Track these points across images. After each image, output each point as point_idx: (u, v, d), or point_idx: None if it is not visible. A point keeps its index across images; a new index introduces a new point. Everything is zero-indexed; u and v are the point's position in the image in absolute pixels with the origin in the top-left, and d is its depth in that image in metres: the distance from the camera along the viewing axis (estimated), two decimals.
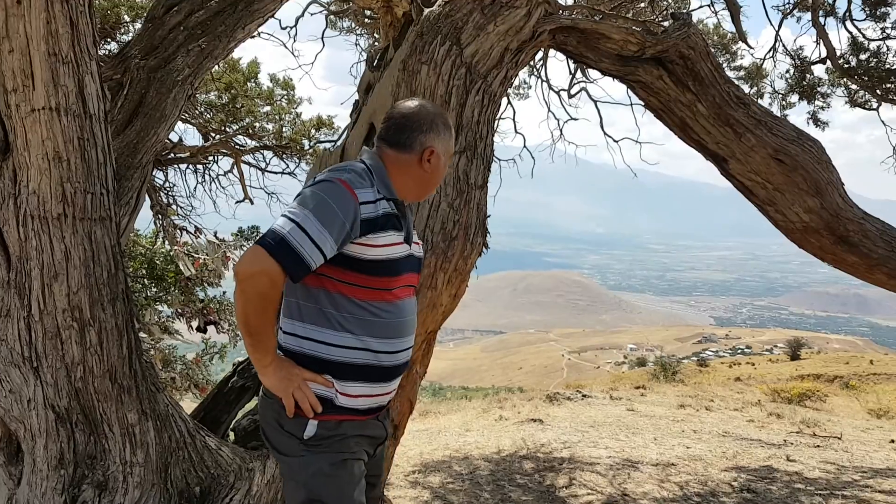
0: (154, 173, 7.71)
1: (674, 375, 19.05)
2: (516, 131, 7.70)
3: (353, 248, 1.87)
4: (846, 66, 5.90)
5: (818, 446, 7.81)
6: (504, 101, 7.64)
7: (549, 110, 7.33)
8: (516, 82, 7.92)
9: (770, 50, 6.49)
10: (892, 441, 8.45)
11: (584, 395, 11.30)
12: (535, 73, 7.06)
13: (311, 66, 7.16)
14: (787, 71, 6.57)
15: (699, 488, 5.74)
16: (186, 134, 8.37)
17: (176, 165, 7.74)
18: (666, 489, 5.71)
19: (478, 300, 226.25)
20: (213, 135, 7.50)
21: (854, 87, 6.17)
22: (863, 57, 5.78)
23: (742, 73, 6.82)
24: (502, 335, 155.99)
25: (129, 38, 5.60)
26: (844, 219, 3.92)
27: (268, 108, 7.53)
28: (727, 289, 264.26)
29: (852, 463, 6.90)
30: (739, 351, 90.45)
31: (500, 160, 8.14)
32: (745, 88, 6.76)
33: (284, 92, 7.57)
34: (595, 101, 6.80)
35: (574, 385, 15.55)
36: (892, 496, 5.57)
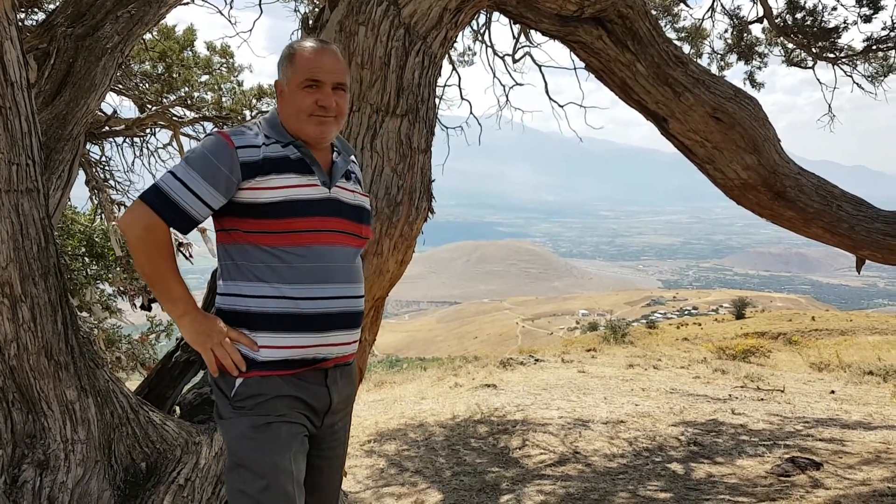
0: (89, 148, 7.42)
1: (623, 337, 19.50)
2: (462, 98, 7.66)
3: (245, 194, 1.86)
4: (783, 25, 6.01)
5: (762, 399, 8.11)
6: (448, 67, 7.58)
7: (495, 76, 7.29)
8: (461, 48, 7.88)
9: (709, 10, 6.56)
10: (832, 392, 8.84)
11: (536, 360, 11.49)
12: (479, 38, 7.01)
13: (250, 34, 6.94)
14: (726, 31, 6.68)
15: (648, 443, 5.92)
16: (122, 106, 8.08)
17: (112, 139, 7.46)
18: (616, 445, 5.86)
19: (432, 272, 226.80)
20: (149, 106, 7.24)
21: (790, 46, 6.30)
22: (799, 16, 5.89)
23: (683, 33, 6.89)
24: (457, 305, 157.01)
25: (55, 6, 5.34)
26: (781, 174, 4.02)
27: (206, 78, 7.30)
28: (674, 252, 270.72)
29: (795, 414, 7.19)
30: (686, 312, 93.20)
31: (447, 128, 8.09)
32: (685, 49, 6.85)
33: (223, 60, 7.34)
34: (539, 66, 6.78)
35: (527, 350, 15.77)
36: (832, 444, 5.84)
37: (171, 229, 1.86)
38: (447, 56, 7.40)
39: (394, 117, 3.15)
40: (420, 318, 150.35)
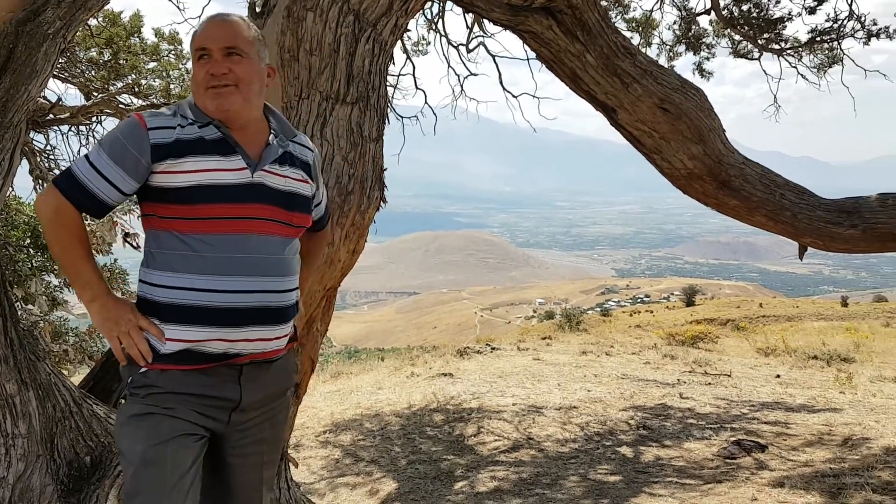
0: (33, 136, 7.18)
1: (578, 325, 19.81)
2: (417, 87, 7.63)
3: (158, 177, 1.77)
4: (729, 16, 6.15)
5: (709, 384, 8.34)
6: (403, 56, 7.54)
7: (450, 66, 7.29)
8: (415, 37, 7.85)
9: (657, 1, 6.67)
10: (778, 376, 9.13)
11: (493, 349, 11.60)
12: (434, 27, 7.00)
13: (199, 21, 6.78)
14: (675, 22, 6.80)
15: (599, 428, 6.03)
16: (67, 94, 7.82)
17: (56, 127, 7.23)
18: (568, 431, 5.97)
19: (391, 262, 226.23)
20: (95, 94, 7.03)
21: (737, 37, 6.45)
22: (745, 7, 6.03)
23: (634, 24, 6.98)
24: (416, 296, 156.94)
25: None
26: (726, 164, 4.12)
27: (154, 65, 7.11)
28: (627, 242, 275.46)
29: (741, 398, 7.41)
30: (639, 300, 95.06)
31: (402, 118, 8.07)
32: (635, 39, 6.95)
33: (171, 47, 7.17)
34: (493, 57, 6.81)
35: (484, 339, 15.90)
36: (776, 427, 6.03)
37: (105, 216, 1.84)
38: (401, 45, 7.37)
39: (344, 105, 3.13)
40: (379, 308, 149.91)
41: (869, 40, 5.96)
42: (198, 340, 1.76)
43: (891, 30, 5.87)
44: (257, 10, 3.26)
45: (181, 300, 1.76)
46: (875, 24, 5.83)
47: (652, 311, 53.13)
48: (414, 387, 8.12)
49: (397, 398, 7.50)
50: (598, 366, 9.68)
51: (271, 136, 1.92)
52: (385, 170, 3.34)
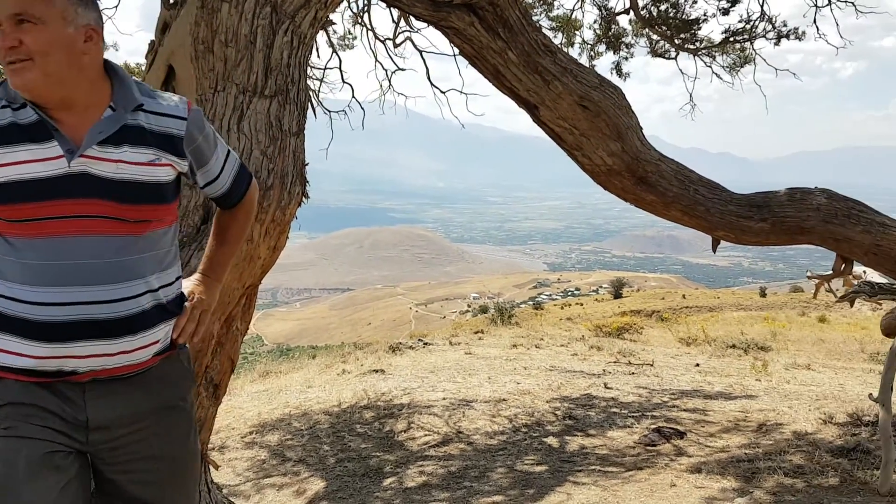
0: None
1: (510, 319, 20.06)
2: (344, 81, 7.56)
3: None
4: (648, 16, 6.33)
5: (633, 373, 8.58)
6: (329, 50, 7.45)
7: (377, 60, 7.25)
8: (341, 31, 7.76)
9: (578, 1, 6.81)
10: (697, 365, 9.49)
11: (425, 344, 11.61)
12: (360, 21, 6.94)
13: (115, 10, 6.50)
14: (595, 21, 6.96)
15: (527, 419, 6.13)
16: None
17: None
18: (497, 423, 6.04)
19: (324, 258, 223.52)
20: None
21: (655, 37, 6.66)
22: (662, 7, 6.23)
23: (557, 23, 7.10)
24: (350, 292, 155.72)
25: None
26: (643, 160, 4.24)
27: None
28: (558, 236, 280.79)
29: (662, 386, 7.66)
30: (570, 293, 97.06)
31: (329, 112, 7.97)
32: (558, 38, 7.09)
33: None
34: (421, 52, 6.81)
35: (417, 335, 15.91)
36: (695, 414, 6.27)
37: None
38: (326, 38, 7.28)
39: (262, 98, 3.06)
40: (312, 305, 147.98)
41: (779, 41, 6.25)
42: (27, 356, 1.56)
43: (800, 31, 6.19)
44: (170, 0, 3.15)
45: (5, 310, 1.56)
46: (785, 25, 6.14)
47: (582, 304, 54.41)
48: (345, 384, 8.05)
49: (327, 396, 7.42)
50: (527, 358, 9.83)
51: (109, 109, 1.60)
52: (307, 164, 3.29)
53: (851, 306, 6.22)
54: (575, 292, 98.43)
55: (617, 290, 57.81)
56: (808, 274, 5.36)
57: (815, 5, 5.90)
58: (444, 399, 6.92)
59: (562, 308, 50.98)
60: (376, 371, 8.51)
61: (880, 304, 6.69)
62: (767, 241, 4.39)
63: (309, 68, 7.58)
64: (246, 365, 14.40)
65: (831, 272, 4.80)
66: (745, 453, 4.90)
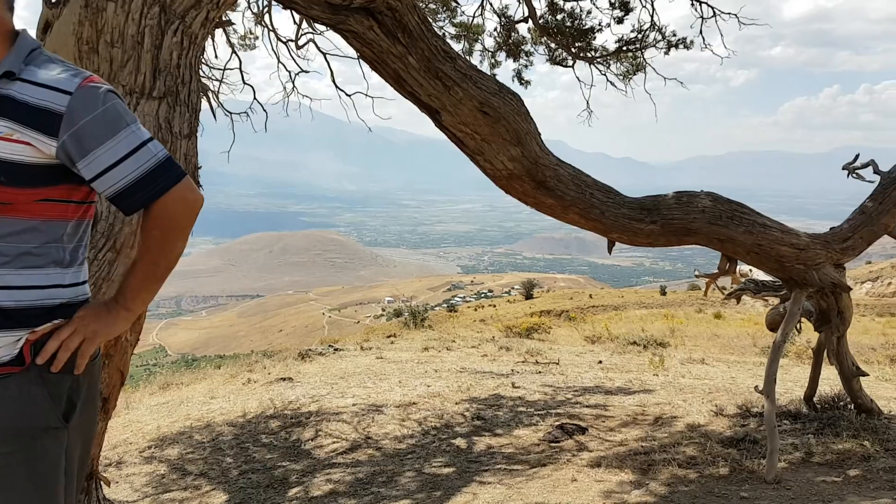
0: None
1: (423, 322, 20.07)
2: (244, 82, 7.37)
3: None
4: (545, 25, 6.52)
5: (540, 372, 8.79)
6: (229, 51, 7.26)
7: (280, 62, 7.12)
8: (241, 31, 7.57)
9: (479, 7, 6.95)
10: (600, 362, 9.81)
11: (336, 350, 11.46)
12: (261, 22, 6.80)
13: None
14: (495, 29, 7.11)
15: (436, 422, 6.16)
16: None
17: None
18: (406, 427, 6.04)
19: (231, 264, 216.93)
20: None
21: (553, 45, 6.86)
22: (559, 17, 6.44)
23: (461, 30, 7.20)
24: (260, 299, 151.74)
25: None
26: (542, 165, 4.36)
27: None
28: (471, 239, 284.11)
29: (567, 384, 7.87)
30: (483, 295, 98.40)
31: (231, 113, 7.77)
32: (458, 45, 7.20)
33: None
34: (325, 54, 6.72)
35: (328, 341, 15.69)
36: (596, 409, 6.48)
37: None
38: (226, 39, 7.09)
39: (150, 100, 2.96)
40: (219, 313, 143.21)
41: (669, 50, 6.58)
42: None
43: (688, 41, 6.53)
44: None
45: None
46: (675, 35, 6.47)
47: (495, 306, 55.28)
48: (250, 394, 7.83)
49: (231, 407, 7.20)
50: (438, 361, 9.88)
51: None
52: (199, 168, 3.20)
53: (738, 303, 6.59)
54: (488, 294, 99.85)
55: (528, 292, 59.06)
56: (696, 273, 5.65)
57: (702, 16, 6.26)
58: (353, 405, 6.86)
59: (475, 310, 51.60)
60: (284, 379, 8.33)
61: (767, 301, 7.11)
62: (658, 242, 4.61)
63: (209, 69, 7.38)
64: (148, 377, 13.79)
65: (717, 271, 5.08)
66: (642, 446, 5.10)
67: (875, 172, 5.47)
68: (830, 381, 6.03)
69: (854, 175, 5.49)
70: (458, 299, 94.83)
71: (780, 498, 3.94)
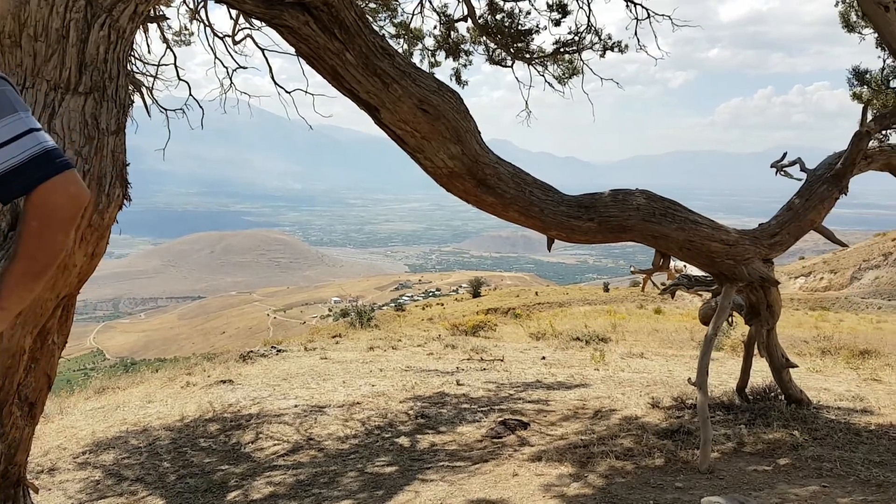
0: None
1: (369, 322, 20.00)
2: (179, 78, 7.18)
3: None
4: (485, 24, 6.57)
5: (484, 369, 8.85)
6: (163, 46, 7.08)
7: (216, 57, 6.96)
8: (176, 26, 7.37)
9: (418, 5, 6.94)
10: (543, 358, 9.93)
11: (279, 351, 11.30)
12: (197, 17, 6.62)
13: None
14: (434, 27, 7.11)
15: (380, 421, 6.14)
16: None
17: None
18: (350, 427, 6.00)
19: (171, 265, 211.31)
20: None
21: (492, 45, 6.91)
22: (498, 17, 6.49)
23: (402, 29, 7.17)
24: (202, 300, 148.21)
25: None
26: (482, 163, 4.39)
27: None
28: (418, 238, 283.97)
29: (510, 380, 7.95)
30: (431, 294, 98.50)
31: (166, 110, 7.57)
32: (400, 44, 7.17)
33: None
34: (263, 50, 6.62)
35: (271, 342, 15.45)
36: (538, 404, 6.56)
37: None
38: (160, 34, 6.91)
39: (76, 95, 2.86)
40: (159, 315, 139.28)
41: (605, 53, 6.71)
42: None
43: (622, 44, 6.68)
44: None
45: None
46: (610, 38, 6.60)
47: (443, 304, 55.45)
48: (189, 397, 7.66)
49: (169, 410, 7.03)
50: (384, 360, 9.85)
51: None
52: (127, 164, 3.10)
53: (673, 298, 6.77)
54: (436, 293, 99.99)
55: (475, 290, 59.45)
56: (632, 269, 5.79)
57: (636, 18, 6.40)
58: (295, 406, 6.77)
59: (423, 309, 51.65)
60: (224, 382, 8.17)
61: (700, 295, 7.32)
62: (595, 239, 4.70)
63: (143, 64, 7.17)
64: (84, 382, 13.32)
65: (651, 267, 5.21)
66: (582, 439, 5.20)
67: (802, 170, 5.70)
68: (763, 373, 6.26)
69: (782, 173, 5.71)
70: (406, 298, 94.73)
71: (713, 487, 4.07)
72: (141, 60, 7.08)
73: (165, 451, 5.60)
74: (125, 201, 3.08)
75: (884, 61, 6.14)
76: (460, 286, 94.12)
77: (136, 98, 6.96)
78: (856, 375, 7.86)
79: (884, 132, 6.32)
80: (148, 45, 7.80)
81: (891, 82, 6.33)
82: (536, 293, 56.52)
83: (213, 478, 4.87)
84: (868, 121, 5.46)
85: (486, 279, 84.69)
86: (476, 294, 58.05)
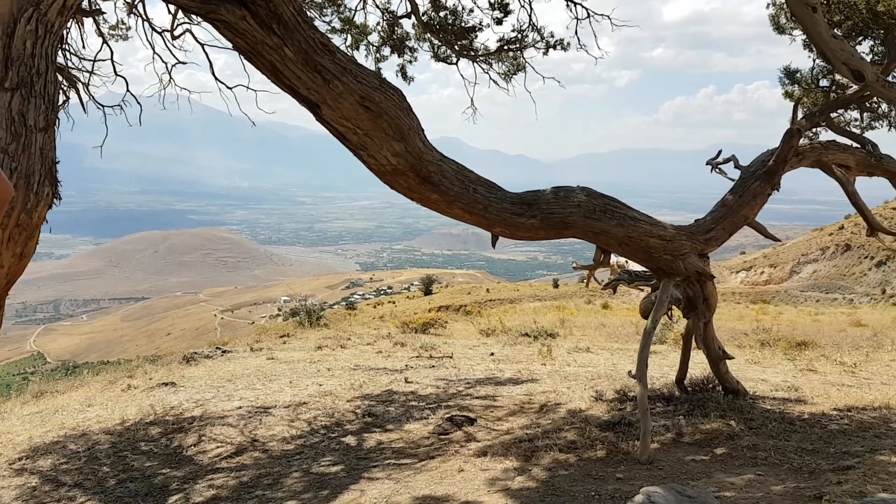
0: None
1: (318, 320, 19.76)
2: (117, 74, 6.98)
3: None
4: (428, 21, 6.58)
5: (433, 366, 8.87)
6: (98, 40, 6.88)
7: (156, 53, 6.78)
8: (112, 21, 7.16)
9: (360, 2, 6.89)
10: (492, 354, 10.01)
11: (224, 352, 11.11)
12: (134, 11, 6.44)
13: None
14: (378, 24, 7.09)
15: (326, 421, 6.10)
16: None
17: None
18: (295, 427, 5.94)
19: (113, 265, 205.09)
20: None
21: (437, 42, 6.93)
22: (442, 14, 6.51)
23: (347, 25, 7.12)
24: (146, 301, 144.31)
25: None
26: (426, 161, 4.40)
27: None
28: (369, 236, 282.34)
29: (459, 377, 7.99)
30: (383, 292, 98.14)
31: (103, 106, 7.36)
32: (344, 39, 7.13)
33: None
34: (203, 45, 6.48)
35: (217, 343, 15.17)
36: (486, 400, 6.61)
37: None
38: (96, 28, 6.71)
39: (2, 91, 2.77)
40: (101, 317, 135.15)
41: (547, 51, 6.80)
42: None
43: (565, 42, 6.78)
44: None
45: None
46: (553, 36, 6.69)
47: (394, 302, 55.31)
48: (130, 400, 7.47)
49: (109, 414, 6.85)
50: (332, 360, 9.78)
51: None
52: (57, 162, 3.01)
53: (614, 293, 6.91)
54: (388, 291, 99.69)
55: (427, 287, 59.49)
56: (574, 265, 5.89)
57: (577, 17, 6.51)
58: (240, 408, 6.68)
59: (374, 307, 51.42)
60: (166, 384, 8.00)
61: (641, 290, 7.49)
62: (538, 235, 4.76)
63: (79, 60, 6.95)
64: (23, 386, 12.83)
65: (593, 263, 5.32)
66: (527, 433, 5.27)
67: (736, 167, 5.89)
68: (703, 365, 6.44)
69: (717, 170, 5.89)
70: (358, 297, 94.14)
71: (652, 477, 4.17)
72: (77, 55, 6.86)
73: (105, 456, 5.46)
74: (55, 200, 3.00)
75: (813, 61, 6.39)
76: (412, 284, 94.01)
77: (72, 94, 6.75)
78: (792, 366, 8.16)
79: (814, 129, 6.58)
80: (83, 40, 7.54)
81: (820, 81, 6.59)
82: (488, 290, 56.90)
83: (153, 482, 4.76)
84: (799, 118, 5.68)
85: (438, 277, 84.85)
86: (428, 292, 58.10)
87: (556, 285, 56.42)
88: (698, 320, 5.58)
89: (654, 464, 4.43)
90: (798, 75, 6.37)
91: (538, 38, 6.62)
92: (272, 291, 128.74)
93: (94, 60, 6.72)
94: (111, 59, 6.83)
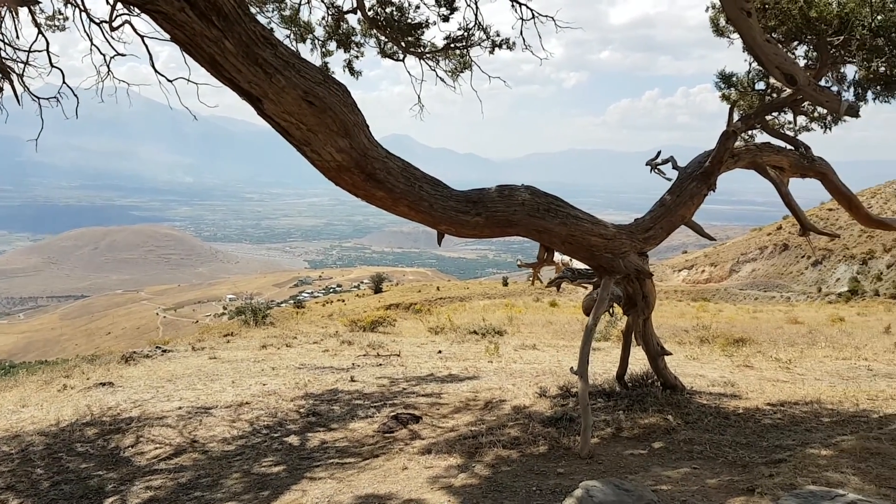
0: None
1: (264, 319, 19.45)
2: (52, 65, 6.71)
3: None
4: (374, 17, 6.54)
5: (380, 364, 8.84)
6: (34, 30, 6.62)
7: (94, 44, 6.55)
8: (49, 10, 6.88)
9: None
10: (440, 352, 10.03)
11: (164, 351, 10.84)
12: (72, 2, 6.20)
13: None
14: (323, 18, 7.01)
15: (269, 420, 6.02)
16: None
17: None
18: (237, 428, 5.84)
19: (51, 262, 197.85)
20: None
21: (383, 38, 6.90)
22: (388, 10, 6.48)
23: (290, 20, 7.01)
24: (85, 299, 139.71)
25: None
26: (371, 157, 4.36)
27: None
28: (318, 233, 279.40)
29: (405, 375, 7.98)
30: (332, 290, 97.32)
31: (39, 99, 7.09)
32: (287, 34, 7.02)
33: None
34: (143, 37, 6.28)
35: (158, 342, 14.78)
36: (431, 398, 6.62)
37: None
38: (32, 18, 6.46)
39: None
40: (39, 316, 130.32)
41: (493, 50, 6.85)
42: None
43: (510, 41, 6.83)
44: None
45: None
46: (499, 35, 6.75)
47: (344, 300, 54.91)
48: (66, 400, 7.23)
49: (44, 415, 6.61)
50: (277, 358, 9.65)
51: None
52: None
53: (558, 290, 7.00)
54: (337, 289, 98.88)
55: (377, 285, 59.22)
56: (519, 263, 5.95)
57: (521, 18, 6.56)
58: (179, 408, 6.53)
59: (324, 305, 50.94)
60: (104, 384, 7.77)
61: (585, 287, 7.61)
62: (483, 233, 4.79)
63: (13, 50, 6.66)
64: None
65: (537, 261, 5.38)
66: (471, 430, 5.30)
67: (674, 168, 6.04)
68: (644, 361, 6.59)
69: (656, 171, 6.02)
70: (306, 295, 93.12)
71: (592, 472, 4.25)
72: (11, 46, 6.58)
73: (39, 458, 5.27)
74: None
75: (749, 64, 6.60)
76: (362, 282, 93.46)
77: (6, 86, 6.47)
78: (730, 362, 8.42)
79: (750, 132, 6.80)
80: (17, 30, 7.21)
81: (756, 84, 6.80)
82: (438, 288, 57.00)
83: (89, 483, 4.62)
84: (735, 121, 5.86)
85: (388, 275, 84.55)
86: (378, 290, 57.86)
87: (505, 283, 56.89)
88: (638, 317, 5.70)
89: (594, 458, 4.52)
90: (734, 79, 6.57)
91: (484, 37, 6.66)
92: (217, 289, 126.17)
93: (30, 51, 6.46)
94: (47, 49, 6.57)
